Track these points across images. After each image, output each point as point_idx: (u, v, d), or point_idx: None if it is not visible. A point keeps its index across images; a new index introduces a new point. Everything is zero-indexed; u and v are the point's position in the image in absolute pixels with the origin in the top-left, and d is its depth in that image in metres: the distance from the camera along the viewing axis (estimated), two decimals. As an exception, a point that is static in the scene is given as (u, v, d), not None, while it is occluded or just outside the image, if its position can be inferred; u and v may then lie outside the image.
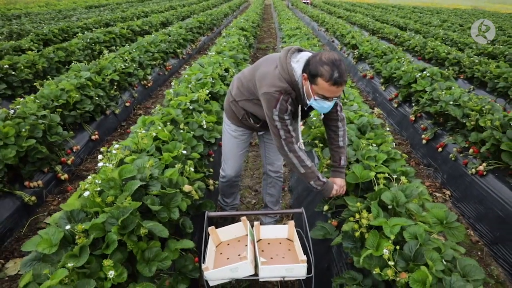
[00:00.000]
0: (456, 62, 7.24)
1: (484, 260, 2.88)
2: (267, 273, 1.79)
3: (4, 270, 2.55)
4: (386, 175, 2.31)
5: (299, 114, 2.18)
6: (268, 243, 2.08)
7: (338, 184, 2.28)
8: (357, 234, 1.95)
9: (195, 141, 2.95)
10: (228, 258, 1.96)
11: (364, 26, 14.15)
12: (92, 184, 2.06)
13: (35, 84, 4.48)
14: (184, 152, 2.63)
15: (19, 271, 2.56)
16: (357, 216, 2.03)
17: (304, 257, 1.81)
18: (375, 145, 2.80)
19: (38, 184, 3.24)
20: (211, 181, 3.00)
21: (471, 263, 1.69)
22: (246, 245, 1.97)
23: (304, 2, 29.29)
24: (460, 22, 16.83)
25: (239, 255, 1.89)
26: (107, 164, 2.31)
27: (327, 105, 1.99)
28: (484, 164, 3.34)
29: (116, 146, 2.50)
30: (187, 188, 2.33)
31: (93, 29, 10.50)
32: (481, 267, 1.66)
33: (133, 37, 9.84)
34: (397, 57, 6.50)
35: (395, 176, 2.34)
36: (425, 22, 16.32)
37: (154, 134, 2.76)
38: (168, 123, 3.07)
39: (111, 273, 1.60)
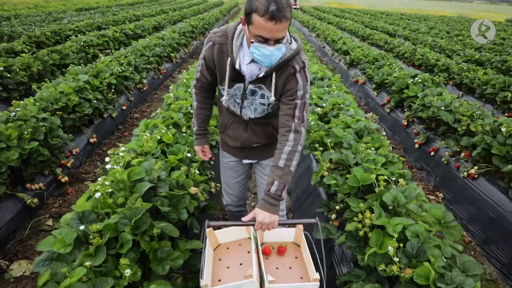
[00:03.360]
0: (445, 69, 7.43)
1: (477, 260, 2.98)
2: None
3: (9, 271, 2.57)
4: (386, 177, 2.41)
5: (227, 71, 1.82)
6: (273, 248, 1.86)
7: (259, 220, 1.72)
8: (360, 233, 2.03)
9: (198, 144, 3.00)
10: (228, 267, 1.75)
11: (354, 32, 14.37)
12: (102, 185, 2.10)
13: (32, 86, 4.47)
14: (189, 155, 2.69)
15: (24, 272, 2.59)
16: (360, 216, 2.12)
17: (317, 275, 1.59)
18: (373, 148, 2.90)
19: (39, 186, 3.26)
20: (213, 184, 3.06)
21: (470, 259, 1.79)
22: (249, 252, 1.79)
23: (294, 8, 29.57)
24: (447, 30, 17.21)
25: (240, 264, 1.73)
26: (115, 166, 2.35)
27: (268, 52, 1.61)
28: (476, 167, 3.47)
29: (123, 148, 2.54)
30: (193, 190, 2.39)
31: (86, 32, 10.49)
32: (479, 263, 1.75)
33: (126, 40, 9.85)
34: (388, 63, 6.66)
35: (393, 178, 2.44)
36: (413, 29, 16.64)
37: (159, 137, 2.81)
38: (171, 127, 3.12)
39: (128, 272, 1.65)
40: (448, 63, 7.48)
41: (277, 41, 1.59)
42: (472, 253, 3.06)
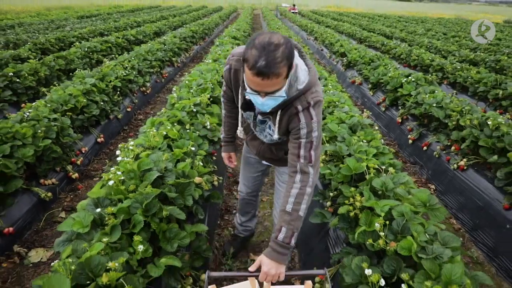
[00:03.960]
0: (440, 69, 7.63)
1: (465, 245, 3.17)
2: None
3: (28, 258, 2.77)
4: (376, 166, 2.61)
5: (239, 96, 1.84)
6: None
7: (264, 270, 1.60)
8: (351, 214, 2.22)
9: (200, 140, 3.20)
10: None
11: (352, 35, 14.61)
12: (115, 174, 2.30)
13: (43, 90, 4.67)
14: (193, 148, 2.89)
15: (41, 259, 2.78)
16: (351, 200, 2.31)
17: None
18: (365, 141, 3.09)
19: (52, 182, 3.46)
20: (215, 177, 3.25)
21: (450, 234, 1.98)
22: None
23: (292, 12, 29.88)
24: (444, 31, 17.44)
25: None
26: (125, 158, 2.55)
27: (260, 102, 1.56)
28: (465, 159, 3.66)
29: (132, 143, 2.74)
30: (197, 179, 2.58)
31: (89, 38, 10.73)
32: (458, 237, 1.94)
33: (128, 46, 10.09)
34: (384, 64, 6.86)
35: (383, 167, 2.63)
36: (410, 31, 16.88)
37: (164, 133, 3.01)
38: (175, 124, 3.32)
39: (140, 247, 1.84)
40: (443, 63, 7.69)
41: (269, 93, 1.52)
42: (461, 239, 3.22)
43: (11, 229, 2.84)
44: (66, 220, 2.00)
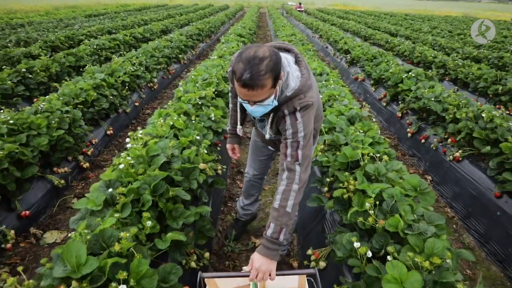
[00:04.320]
0: (442, 65, 7.73)
1: (458, 232, 3.30)
2: None
3: (43, 239, 2.96)
4: (371, 154, 2.75)
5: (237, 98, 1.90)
6: None
7: (255, 266, 1.64)
8: (345, 196, 2.38)
9: (205, 130, 3.37)
10: None
11: (356, 33, 14.70)
12: (125, 159, 2.47)
13: (55, 85, 4.86)
14: (198, 137, 3.06)
15: (55, 240, 2.97)
16: (345, 183, 2.46)
17: None
18: (362, 131, 3.24)
19: (64, 170, 3.64)
20: (219, 166, 3.41)
21: (435, 214, 2.12)
22: None
23: (298, 10, 29.95)
24: (450, 29, 17.44)
25: None
26: (135, 145, 2.72)
27: (250, 109, 1.72)
28: (460, 151, 3.78)
29: (140, 132, 2.92)
30: (202, 166, 2.74)
31: (97, 36, 10.95)
32: (441, 215, 2.09)
33: (136, 43, 10.30)
34: (386, 60, 6.98)
35: (378, 155, 2.77)
36: (416, 28, 16.91)
37: (171, 123, 3.18)
38: (181, 115, 3.49)
39: (149, 223, 2.01)
40: (445, 59, 7.78)
41: (257, 101, 1.64)
42: (454, 226, 3.38)
43: (27, 212, 3.04)
44: (81, 200, 2.17)
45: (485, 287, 1.73)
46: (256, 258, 1.67)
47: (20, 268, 1.63)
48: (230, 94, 2.32)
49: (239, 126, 2.25)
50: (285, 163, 1.80)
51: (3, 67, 6.59)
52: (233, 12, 26.48)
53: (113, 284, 1.56)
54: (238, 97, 1.71)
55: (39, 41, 8.84)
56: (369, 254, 1.83)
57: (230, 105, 2.38)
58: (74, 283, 1.58)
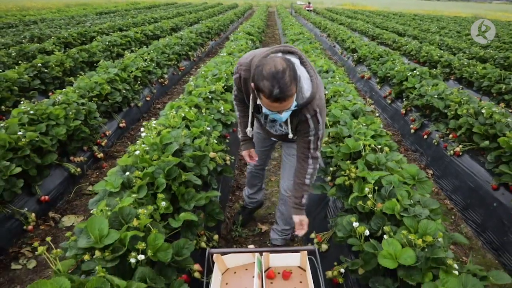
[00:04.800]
0: (448, 65, 7.82)
1: (456, 222, 3.43)
2: None
3: (61, 222, 3.14)
4: (373, 146, 2.90)
5: (250, 102, 2.07)
6: (278, 273, 1.93)
7: (297, 222, 2.27)
8: (347, 183, 2.52)
9: (215, 122, 3.53)
10: None
11: (364, 32, 14.78)
12: (140, 146, 2.64)
13: (70, 79, 5.05)
14: (208, 128, 3.22)
15: (73, 223, 3.15)
16: (347, 171, 2.61)
17: None
18: (364, 125, 3.38)
19: (80, 159, 3.83)
20: (227, 156, 3.57)
21: (430, 199, 2.26)
22: (254, 276, 1.88)
23: (307, 10, 30.03)
24: (458, 29, 17.44)
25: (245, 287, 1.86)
26: (149, 134, 2.89)
27: (279, 117, 1.86)
28: (461, 146, 3.90)
29: (154, 122, 3.09)
30: (212, 154, 2.90)
31: (108, 33, 11.18)
32: (436, 200, 2.23)
33: (146, 40, 10.50)
34: (391, 59, 7.10)
35: (379, 147, 2.92)
36: (424, 29, 16.94)
37: (183, 115, 3.34)
38: (192, 108, 3.65)
39: (163, 203, 2.17)
40: (451, 59, 7.87)
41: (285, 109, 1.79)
42: (453, 217, 3.51)
43: (46, 197, 3.23)
44: (100, 182, 2.35)
45: (475, 265, 1.86)
46: (298, 219, 2.27)
47: (48, 239, 1.80)
48: (235, 100, 2.37)
49: (249, 129, 2.32)
50: (310, 153, 2.15)
51: (19, 62, 6.83)
52: (242, 11, 26.64)
53: (133, 254, 1.72)
54: (264, 109, 1.81)
55: (53, 37, 9.07)
56: (367, 233, 1.98)
57: (237, 113, 2.43)
58: (97, 253, 1.75)
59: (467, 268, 1.83)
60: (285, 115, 1.85)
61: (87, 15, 19.79)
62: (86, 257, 1.74)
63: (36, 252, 1.73)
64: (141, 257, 1.73)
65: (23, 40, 9.51)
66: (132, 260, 1.71)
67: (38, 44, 8.08)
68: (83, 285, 1.53)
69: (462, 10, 50.81)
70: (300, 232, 2.26)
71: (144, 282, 1.65)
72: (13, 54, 7.05)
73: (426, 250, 1.85)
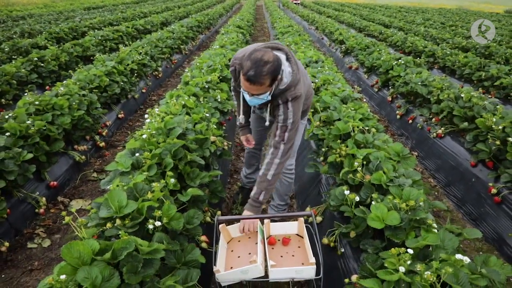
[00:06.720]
0: (432, 54, 8.12)
1: (439, 198, 3.71)
2: (277, 275, 1.85)
3: (70, 206, 3.33)
4: (361, 127, 3.14)
5: (241, 91, 2.24)
6: (278, 240, 2.15)
7: (242, 223, 2.16)
8: (338, 160, 2.76)
9: (213, 110, 3.74)
10: (239, 257, 2.04)
11: (351, 25, 15.04)
12: (147, 130, 2.84)
13: (65, 73, 5.20)
14: (207, 115, 3.43)
15: (81, 207, 3.34)
16: (338, 150, 2.85)
17: (313, 259, 1.86)
18: (353, 109, 3.62)
19: (84, 148, 4.01)
20: (225, 142, 3.79)
21: (413, 171, 2.51)
22: (257, 243, 2.06)
23: (295, 3, 30.18)
24: (442, 21, 17.81)
25: (249, 253, 2.02)
26: (153, 121, 3.09)
27: (248, 99, 2.12)
28: (443, 128, 4.18)
29: (157, 109, 3.28)
30: (212, 138, 3.12)
31: (99, 28, 11.24)
32: (419, 172, 2.48)
33: (138, 35, 10.62)
34: (378, 49, 7.36)
35: (367, 128, 3.16)
36: (409, 20, 17.28)
37: (183, 103, 3.54)
38: (191, 96, 3.85)
39: (172, 180, 2.38)
40: (434, 49, 8.17)
41: (254, 94, 2.05)
42: (435, 193, 3.78)
43: (55, 183, 3.41)
44: (111, 163, 2.54)
45: (453, 226, 2.11)
46: (245, 212, 2.23)
47: (73, 209, 2.00)
48: (233, 91, 2.70)
49: (241, 116, 2.62)
50: (273, 142, 2.26)
51: (13, 57, 6.93)
52: (230, 5, 26.69)
53: (150, 221, 1.94)
54: (241, 88, 2.10)
55: (44, 32, 9.14)
56: (357, 199, 2.22)
57: (235, 102, 2.74)
58: (118, 221, 1.95)
59: (445, 227, 2.08)
60: (253, 101, 2.13)
61: (75, 10, 19.67)
62: (109, 225, 1.94)
63: (52, 231, 1.93)
64: (158, 223, 1.94)
65: (14, 36, 9.54)
66: (150, 226, 1.93)
67: (31, 39, 8.17)
68: (110, 246, 1.74)
69: (447, 2, 51.42)
70: (245, 231, 2.15)
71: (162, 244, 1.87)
72: (6, 49, 7.15)
73: (409, 212, 2.10)
